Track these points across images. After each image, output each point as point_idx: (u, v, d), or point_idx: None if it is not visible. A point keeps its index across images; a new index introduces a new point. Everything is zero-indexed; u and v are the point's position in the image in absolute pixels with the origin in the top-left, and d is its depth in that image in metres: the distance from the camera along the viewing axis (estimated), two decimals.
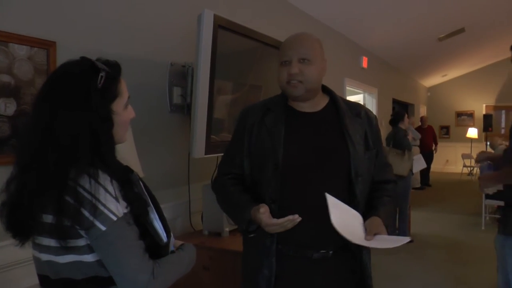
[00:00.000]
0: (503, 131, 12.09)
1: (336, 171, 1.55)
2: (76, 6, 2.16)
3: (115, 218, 1.03)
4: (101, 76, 1.10)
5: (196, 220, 2.80)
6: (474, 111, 12.93)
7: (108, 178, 1.06)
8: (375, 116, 1.71)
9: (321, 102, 1.63)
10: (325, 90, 1.68)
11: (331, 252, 1.54)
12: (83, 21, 2.20)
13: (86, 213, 1.02)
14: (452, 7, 6.23)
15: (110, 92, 1.13)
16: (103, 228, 1.02)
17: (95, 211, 1.02)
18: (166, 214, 2.60)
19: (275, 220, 1.41)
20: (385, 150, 5.30)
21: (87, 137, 1.06)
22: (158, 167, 2.66)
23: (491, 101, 12.59)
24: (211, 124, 2.41)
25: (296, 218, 1.39)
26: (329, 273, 1.55)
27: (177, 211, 2.78)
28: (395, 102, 10.10)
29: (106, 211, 1.03)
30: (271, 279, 1.53)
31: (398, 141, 5.35)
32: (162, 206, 2.57)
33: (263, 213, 1.43)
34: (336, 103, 1.63)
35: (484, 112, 12.37)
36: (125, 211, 1.07)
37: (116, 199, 1.05)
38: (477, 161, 2.68)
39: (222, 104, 2.76)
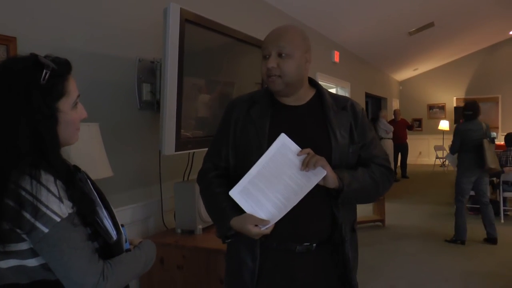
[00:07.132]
0: None
1: None
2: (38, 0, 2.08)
3: (58, 219, 1.00)
4: (46, 73, 1.05)
5: (169, 218, 2.76)
6: (445, 103, 13.18)
7: (52, 178, 1.02)
8: (362, 108, 1.68)
9: (306, 95, 1.62)
10: (312, 83, 1.67)
11: (314, 245, 1.53)
12: (46, 15, 2.13)
13: (27, 215, 0.98)
14: (421, 1, 6.32)
15: (55, 89, 1.08)
16: (45, 230, 0.99)
17: (36, 213, 0.98)
18: (138, 214, 2.62)
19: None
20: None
21: (28, 136, 1.02)
22: (128, 166, 2.60)
23: (461, 94, 12.86)
24: (181, 121, 2.37)
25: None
26: (312, 266, 1.54)
27: (149, 210, 2.73)
28: (368, 96, 10.21)
29: (48, 212, 0.99)
30: (254, 271, 1.52)
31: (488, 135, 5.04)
32: (134, 205, 2.59)
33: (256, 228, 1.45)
34: (322, 97, 1.61)
35: (455, 105, 12.64)
36: (70, 211, 1.03)
37: (60, 199, 1.02)
38: None
39: (203, 103, 2.72)
